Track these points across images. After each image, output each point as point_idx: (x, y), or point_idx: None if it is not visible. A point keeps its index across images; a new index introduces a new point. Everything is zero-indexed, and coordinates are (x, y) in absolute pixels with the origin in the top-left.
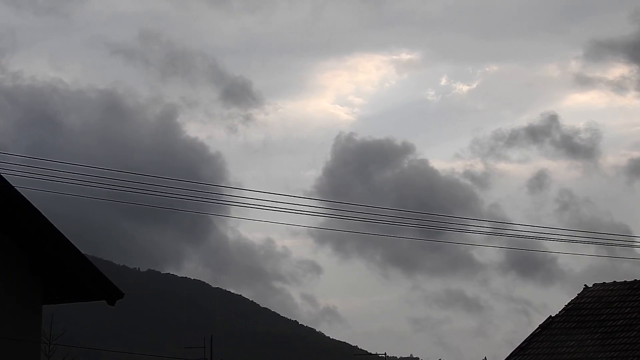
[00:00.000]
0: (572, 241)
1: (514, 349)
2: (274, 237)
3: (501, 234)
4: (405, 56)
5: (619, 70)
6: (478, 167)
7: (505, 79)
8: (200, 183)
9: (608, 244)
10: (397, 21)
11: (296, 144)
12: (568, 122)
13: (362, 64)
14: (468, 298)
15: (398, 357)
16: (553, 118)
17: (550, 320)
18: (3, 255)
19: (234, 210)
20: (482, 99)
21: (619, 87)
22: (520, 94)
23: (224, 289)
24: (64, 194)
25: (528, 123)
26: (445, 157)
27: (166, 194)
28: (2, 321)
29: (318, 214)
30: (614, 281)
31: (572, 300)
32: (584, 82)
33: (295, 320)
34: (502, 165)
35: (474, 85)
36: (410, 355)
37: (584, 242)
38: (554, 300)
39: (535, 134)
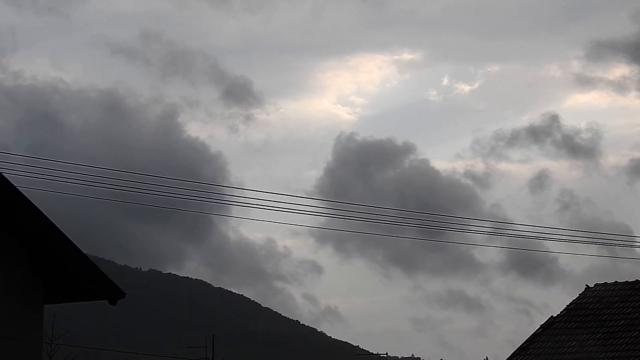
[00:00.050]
0: (573, 241)
1: (515, 349)
2: (275, 237)
3: (502, 234)
4: (406, 56)
5: (620, 70)
6: (479, 167)
7: (507, 79)
8: (201, 183)
9: (609, 244)
10: (398, 21)
11: (297, 144)
12: (569, 122)
13: (363, 63)
14: (469, 298)
15: (400, 357)
16: (554, 118)
17: (551, 320)
18: (4, 255)
19: (235, 210)
20: (484, 99)
21: (620, 87)
22: (522, 94)
23: (225, 288)
24: (65, 193)
25: (529, 123)
26: (446, 157)
27: (167, 194)
28: (3, 321)
29: (319, 214)
30: (616, 281)
31: (573, 300)
32: (585, 82)
33: (297, 320)
34: (503, 165)
35: (476, 85)
36: (412, 355)
37: (585, 242)
38: (555, 300)
39: (536, 134)
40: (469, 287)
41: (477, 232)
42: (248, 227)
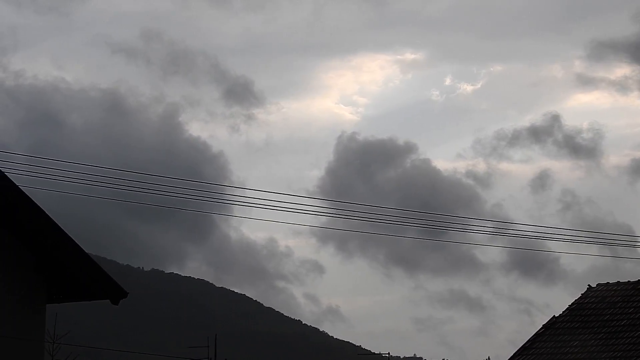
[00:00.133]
0: (575, 241)
1: (517, 349)
2: (277, 236)
3: (504, 234)
4: (409, 56)
5: (621, 70)
6: (480, 166)
7: (510, 79)
8: (203, 183)
9: (611, 244)
10: (401, 21)
11: (299, 144)
12: (571, 122)
13: (366, 63)
14: (471, 298)
15: (401, 357)
16: (555, 118)
17: (553, 320)
18: (7, 254)
19: (237, 210)
20: (486, 99)
21: (621, 87)
22: (524, 94)
23: (227, 288)
24: (67, 193)
25: (530, 123)
26: (448, 156)
27: (170, 194)
28: (6, 320)
29: (321, 214)
30: (618, 281)
31: (575, 300)
32: (587, 83)
33: (299, 320)
34: (504, 165)
35: (479, 85)
36: (414, 355)
37: (587, 242)
38: (556, 300)
39: (538, 134)
40: (471, 287)
41: (478, 232)
42: (250, 227)
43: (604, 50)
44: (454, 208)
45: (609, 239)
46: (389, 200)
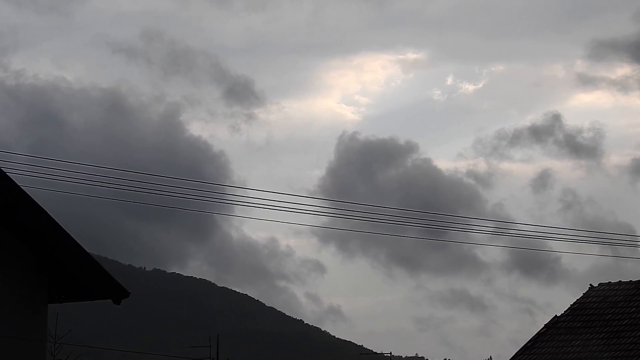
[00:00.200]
0: (576, 241)
1: (519, 349)
2: (278, 236)
3: (505, 234)
4: (411, 56)
5: (622, 70)
6: (481, 166)
7: (511, 79)
8: (204, 183)
9: (612, 244)
10: (403, 21)
11: (301, 144)
12: (572, 121)
13: (368, 63)
14: (472, 297)
15: (403, 357)
16: (556, 117)
17: (555, 320)
18: (9, 254)
19: (238, 210)
20: (488, 99)
21: (622, 87)
22: (526, 94)
23: (229, 288)
24: (68, 193)
25: (531, 122)
26: (449, 156)
27: (171, 194)
28: (7, 320)
29: (322, 214)
30: (620, 281)
31: (577, 299)
32: (588, 82)
33: (301, 320)
34: (505, 165)
35: (480, 85)
36: (416, 354)
37: (588, 242)
38: (558, 299)
39: (539, 134)
40: (472, 287)
41: (479, 231)
42: (251, 227)
43: (605, 50)
44: (455, 208)
45: (610, 238)
46: (389, 200)
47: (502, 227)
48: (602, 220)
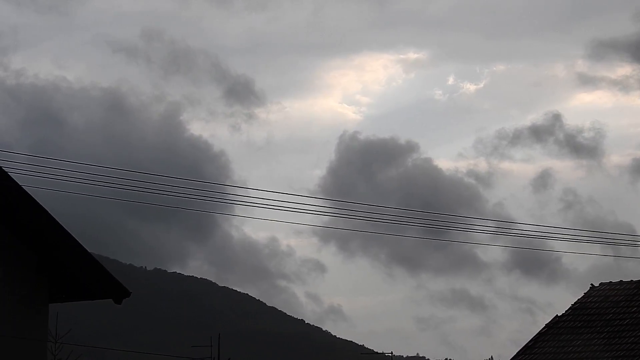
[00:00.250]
0: (577, 240)
1: (519, 348)
2: (279, 236)
3: (505, 233)
4: (412, 55)
5: (623, 69)
6: (482, 166)
7: (513, 79)
8: (205, 182)
9: (613, 243)
10: (404, 20)
11: (301, 143)
12: (572, 121)
13: (369, 63)
14: (473, 297)
15: (404, 357)
16: (557, 117)
17: (556, 320)
18: (10, 254)
19: (238, 210)
20: (490, 99)
21: (623, 86)
22: (527, 94)
23: (230, 288)
24: (69, 192)
25: (532, 122)
26: (450, 156)
27: (172, 193)
28: (8, 319)
29: (322, 213)
30: (621, 280)
31: (578, 299)
32: (589, 82)
33: (302, 319)
34: (506, 165)
35: (481, 85)
36: (417, 354)
37: (589, 242)
38: (558, 299)
39: (539, 133)
40: (473, 286)
41: (480, 231)
42: (251, 226)
43: (605, 49)
44: (455, 207)
45: (610, 238)
46: (390, 199)
47: (503, 227)
48: (602, 220)
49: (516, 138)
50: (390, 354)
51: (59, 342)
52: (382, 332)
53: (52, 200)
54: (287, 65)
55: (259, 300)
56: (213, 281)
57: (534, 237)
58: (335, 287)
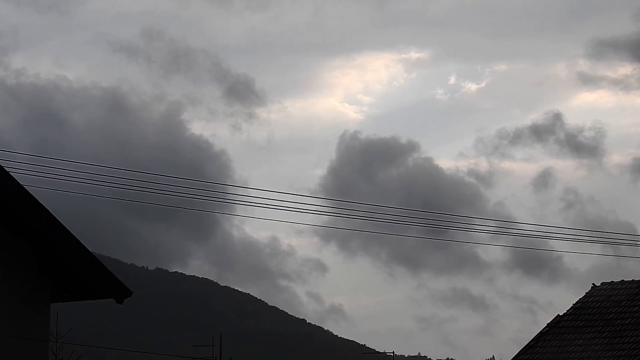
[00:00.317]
0: (578, 240)
1: (521, 348)
2: (280, 235)
3: (506, 233)
4: (414, 55)
5: (623, 69)
6: (483, 165)
7: (514, 78)
8: (206, 182)
9: (614, 243)
10: (406, 20)
11: (302, 143)
12: (573, 120)
13: (370, 62)
14: (474, 297)
15: (406, 356)
16: (557, 116)
17: (558, 319)
18: (11, 253)
19: (239, 209)
20: (491, 98)
21: (624, 86)
22: (528, 93)
23: (232, 287)
24: (69, 192)
25: (532, 122)
26: (451, 155)
27: (173, 193)
28: (10, 319)
29: (323, 213)
30: (622, 280)
31: (580, 299)
32: (591, 82)
33: (303, 319)
34: (506, 164)
35: (483, 84)
36: (419, 354)
37: (590, 241)
38: (559, 298)
39: (540, 133)
40: (474, 286)
41: (481, 230)
42: (252, 226)
43: (606, 49)
44: (456, 207)
45: (611, 238)
46: (391, 199)
47: (504, 227)
48: (603, 219)
49: (517, 137)
50: (391, 354)
51: (60, 342)
52: (384, 331)
53: (52, 199)
54: (288, 64)
55: (260, 300)
56: (214, 281)
57: (535, 236)
58: (336, 286)
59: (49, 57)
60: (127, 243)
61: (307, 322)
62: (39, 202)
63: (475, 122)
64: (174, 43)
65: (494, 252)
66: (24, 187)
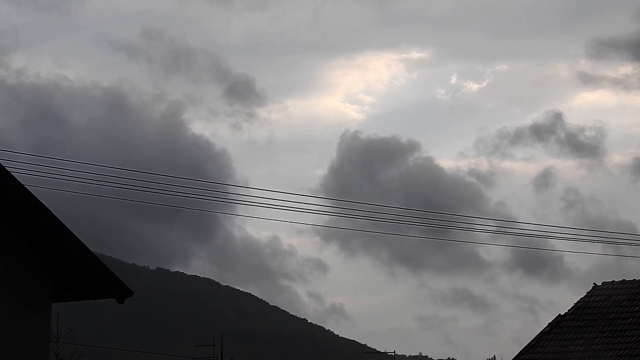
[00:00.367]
0: (578, 239)
1: (522, 348)
2: (280, 235)
3: (507, 233)
4: (415, 55)
5: (624, 69)
6: (483, 165)
7: (515, 78)
8: (208, 182)
9: (615, 243)
10: (407, 20)
11: (303, 142)
12: (574, 120)
13: (372, 62)
14: (475, 296)
15: (407, 356)
16: (558, 116)
17: (559, 319)
18: (12, 253)
19: (240, 209)
20: (492, 98)
21: (624, 86)
22: (529, 93)
23: (233, 287)
24: (70, 192)
25: (533, 121)
26: (451, 155)
27: (174, 193)
28: (11, 319)
29: (324, 212)
30: (623, 279)
31: (581, 298)
32: (592, 81)
33: (304, 319)
34: (507, 164)
35: (484, 84)
36: (420, 353)
37: (590, 241)
38: (560, 298)
39: (540, 132)
40: (475, 286)
41: (482, 230)
42: (253, 226)
43: (606, 49)
44: (456, 206)
45: (612, 237)
46: (391, 198)
47: (505, 226)
48: (604, 219)
49: (517, 137)
50: (392, 354)
51: (61, 342)
52: (385, 331)
53: (54, 199)
54: (288, 64)
55: (261, 299)
56: (215, 281)
57: (536, 236)
58: (337, 286)
59: (49, 57)
60: (128, 243)
61: (308, 322)
62: (40, 201)
63: (476, 122)
64: (175, 43)
65: (494, 251)
66: (25, 187)
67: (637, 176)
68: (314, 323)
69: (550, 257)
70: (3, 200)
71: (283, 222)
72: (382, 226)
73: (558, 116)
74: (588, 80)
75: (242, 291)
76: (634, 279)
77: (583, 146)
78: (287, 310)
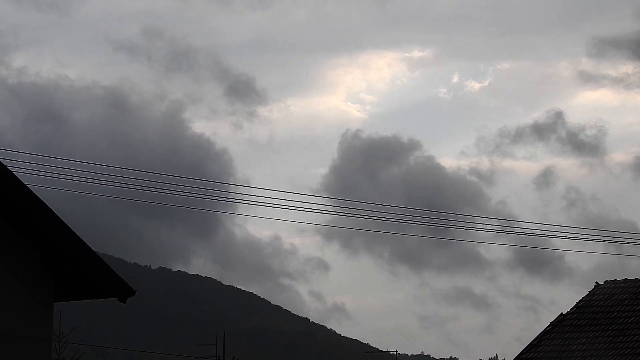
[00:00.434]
0: (580, 238)
1: (524, 346)
2: (282, 234)
3: (508, 231)
4: (417, 54)
5: (625, 67)
6: (484, 164)
7: (517, 77)
8: (209, 181)
9: (616, 241)
10: (409, 19)
11: (304, 141)
12: (574, 119)
13: (374, 61)
14: (476, 295)
15: (409, 355)
16: (559, 115)
17: (561, 318)
18: (15, 251)
19: (241, 208)
20: (494, 97)
21: (626, 84)
22: (531, 92)
23: (235, 286)
24: (72, 191)
25: (534, 120)
26: (453, 154)
27: (175, 192)
28: (13, 318)
29: (325, 212)
30: (625, 278)
31: (583, 297)
32: (591, 80)
33: (306, 318)
34: (508, 163)
35: (486, 83)
36: (422, 352)
37: (592, 240)
38: (562, 297)
39: (541, 131)
40: (476, 285)
41: (483, 229)
42: (255, 225)
43: (607, 47)
44: (458, 205)
45: (614, 236)
46: (393, 197)
47: (506, 225)
48: (605, 217)
49: (519, 136)
50: (394, 352)
51: (63, 341)
52: (387, 330)
53: (55, 198)
54: (289, 63)
55: (263, 298)
56: (217, 280)
57: (537, 235)
58: (339, 285)
59: (51, 56)
60: (130, 242)
61: (310, 320)
62: (42, 200)
63: (478, 121)
64: (175, 42)
65: (496, 250)
66: (26, 186)
67: (638, 175)
68: (316, 322)
69: (551, 256)
70: (5, 200)
71: (284, 221)
72: (384, 225)
73: (559, 115)
74: (589, 79)
75: (244, 290)
76: (636, 278)
77: (584, 145)
78: (289, 310)
